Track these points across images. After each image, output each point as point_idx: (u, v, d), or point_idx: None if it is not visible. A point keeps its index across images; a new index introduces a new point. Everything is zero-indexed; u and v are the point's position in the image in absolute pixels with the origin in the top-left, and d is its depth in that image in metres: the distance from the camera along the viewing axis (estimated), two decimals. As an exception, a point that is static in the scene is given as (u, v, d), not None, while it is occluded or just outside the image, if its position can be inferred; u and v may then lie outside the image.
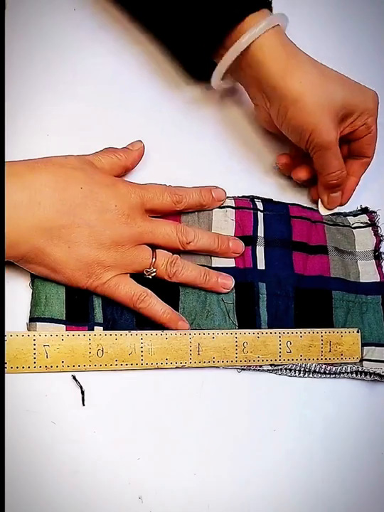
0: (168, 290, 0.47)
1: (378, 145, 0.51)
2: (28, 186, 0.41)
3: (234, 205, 0.50)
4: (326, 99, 0.47)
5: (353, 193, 0.53)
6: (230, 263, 0.49)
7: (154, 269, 0.45)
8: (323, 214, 0.53)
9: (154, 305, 0.45)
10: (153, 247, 0.46)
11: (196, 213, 0.49)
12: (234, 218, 0.50)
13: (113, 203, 0.43)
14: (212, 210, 0.50)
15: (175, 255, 0.46)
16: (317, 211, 0.53)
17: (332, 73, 0.48)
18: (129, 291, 0.44)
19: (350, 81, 0.49)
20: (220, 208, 0.50)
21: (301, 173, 0.53)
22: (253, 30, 0.45)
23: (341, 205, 0.54)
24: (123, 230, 0.43)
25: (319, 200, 0.53)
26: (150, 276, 0.45)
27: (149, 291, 0.45)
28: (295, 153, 0.53)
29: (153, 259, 0.45)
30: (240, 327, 0.47)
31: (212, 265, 0.48)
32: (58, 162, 0.43)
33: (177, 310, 0.47)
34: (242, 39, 0.46)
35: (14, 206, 0.40)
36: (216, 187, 0.49)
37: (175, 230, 0.46)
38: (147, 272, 0.45)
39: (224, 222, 0.50)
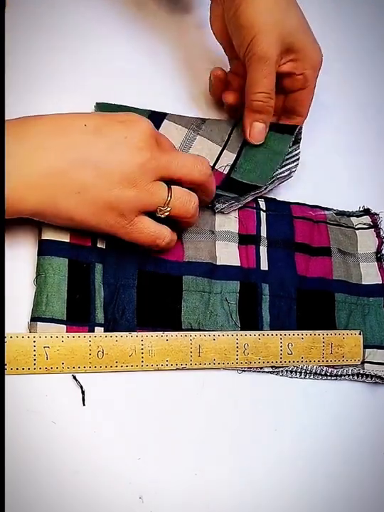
0: (170, 289, 0.47)
1: (377, 141, 0.50)
2: (27, 133, 0.38)
3: None
4: (280, 15, 0.46)
5: None
6: (235, 262, 0.49)
7: (169, 208, 0.41)
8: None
9: (174, 242, 0.44)
10: (169, 183, 0.42)
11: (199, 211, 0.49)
12: (237, 216, 0.50)
13: (122, 135, 0.39)
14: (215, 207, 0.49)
15: (193, 194, 0.43)
16: (320, 210, 0.53)
17: (296, 5, 0.47)
18: (152, 231, 0.42)
19: (307, 23, 0.48)
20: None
21: (230, 97, 0.51)
22: None
23: None
24: (135, 165, 0.39)
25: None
26: (163, 216, 0.42)
27: (169, 229, 0.43)
28: (232, 75, 0.52)
29: (169, 197, 0.41)
30: (243, 328, 0.47)
31: (217, 263, 0.48)
32: (57, 114, 0.40)
33: (179, 309, 0.46)
34: None
35: (14, 156, 0.37)
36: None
37: (194, 160, 0.42)
38: (160, 210, 0.41)
39: (227, 220, 0.50)
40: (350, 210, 0.54)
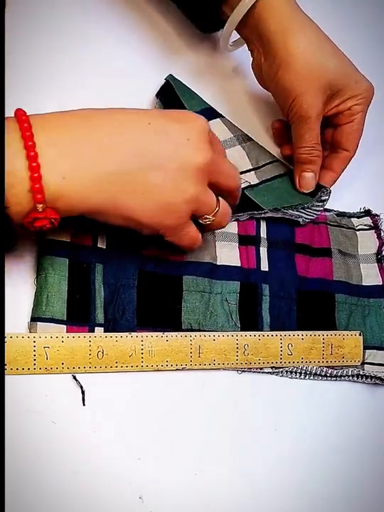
0: (171, 289, 0.47)
1: (377, 142, 0.50)
2: (93, 130, 0.37)
3: None
4: (318, 70, 0.46)
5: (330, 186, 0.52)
6: (235, 262, 0.49)
7: (212, 218, 0.42)
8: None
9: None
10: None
11: None
12: (237, 219, 0.50)
13: (184, 136, 0.39)
14: None
15: (230, 209, 0.44)
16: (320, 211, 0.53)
17: (333, 47, 0.47)
18: (192, 237, 0.43)
19: (348, 62, 0.48)
20: None
21: (286, 150, 0.53)
22: None
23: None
24: (197, 167, 0.39)
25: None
26: (203, 223, 0.42)
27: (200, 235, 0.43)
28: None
29: (217, 208, 0.42)
30: (243, 328, 0.47)
31: (217, 263, 0.48)
32: (120, 108, 0.40)
33: (180, 310, 0.46)
34: None
35: (82, 153, 0.36)
36: None
37: (233, 168, 0.43)
38: (206, 218, 0.42)
39: None
40: (351, 212, 0.54)
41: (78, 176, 0.36)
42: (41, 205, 0.36)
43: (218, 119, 0.53)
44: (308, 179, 0.51)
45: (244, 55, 0.54)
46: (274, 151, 0.54)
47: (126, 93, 0.52)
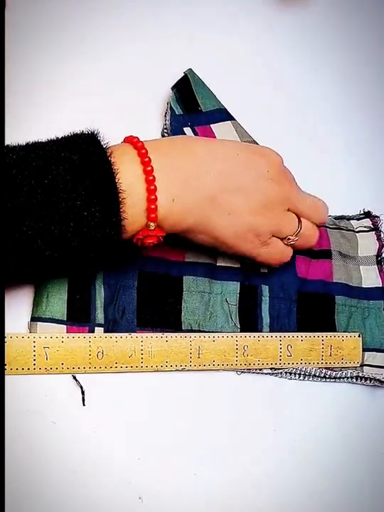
0: (171, 290, 0.47)
1: (377, 143, 0.50)
2: (194, 156, 0.42)
3: None
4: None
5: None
6: (235, 264, 0.49)
7: (296, 238, 0.46)
8: None
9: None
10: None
11: None
12: None
13: (265, 169, 0.44)
14: None
15: (316, 228, 0.47)
16: None
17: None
18: (279, 254, 0.46)
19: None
20: None
21: None
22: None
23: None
24: (275, 195, 0.44)
25: None
26: (288, 244, 0.46)
27: (291, 249, 0.47)
28: None
29: (299, 228, 0.46)
30: (242, 329, 0.47)
31: (217, 264, 0.48)
32: (210, 138, 0.46)
33: (180, 310, 0.47)
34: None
35: (187, 177, 0.41)
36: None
37: (317, 203, 0.47)
38: (289, 239, 0.46)
39: None
40: (350, 214, 0.54)
41: (184, 199, 0.41)
42: (153, 224, 0.40)
43: (229, 122, 0.53)
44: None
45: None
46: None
47: (127, 93, 0.52)
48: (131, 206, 0.39)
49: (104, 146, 0.39)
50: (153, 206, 0.39)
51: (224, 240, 0.44)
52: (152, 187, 0.39)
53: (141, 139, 0.41)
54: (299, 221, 0.46)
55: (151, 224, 0.40)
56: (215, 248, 0.45)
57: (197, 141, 0.44)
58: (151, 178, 0.39)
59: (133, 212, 0.39)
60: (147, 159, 0.39)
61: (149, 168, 0.39)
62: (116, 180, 0.38)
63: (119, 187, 0.38)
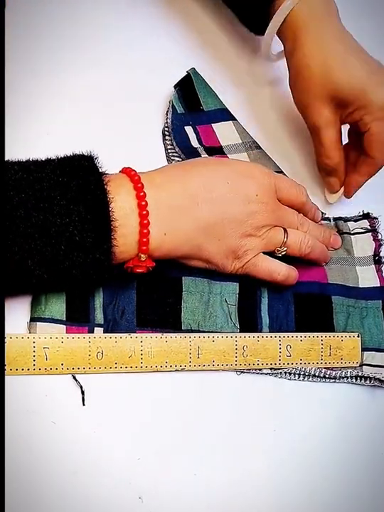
0: (170, 290, 0.47)
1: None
2: (187, 190, 0.43)
3: None
4: (320, 81, 0.47)
5: (357, 190, 0.52)
6: None
7: (285, 248, 0.48)
8: (329, 201, 0.54)
9: (293, 278, 0.48)
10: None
11: None
12: None
13: (254, 193, 0.45)
14: None
15: (307, 235, 0.49)
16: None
17: (347, 58, 0.48)
18: (266, 267, 0.47)
19: (362, 73, 0.48)
20: None
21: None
22: None
23: (347, 197, 0.53)
24: (263, 218, 0.46)
25: None
26: (280, 255, 0.48)
27: (285, 266, 0.48)
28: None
29: (285, 239, 0.47)
30: (242, 330, 0.47)
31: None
32: (202, 161, 0.47)
33: (179, 310, 0.47)
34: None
35: (180, 211, 0.43)
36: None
37: (297, 218, 0.49)
38: (278, 250, 0.48)
39: None
40: (348, 216, 0.54)
41: (176, 233, 0.43)
42: (144, 256, 0.42)
43: (230, 122, 0.54)
44: (332, 184, 0.53)
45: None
46: (283, 163, 0.54)
47: (128, 92, 0.52)
48: (123, 236, 0.41)
49: (102, 174, 0.41)
50: (145, 239, 0.41)
51: (216, 262, 0.46)
52: (145, 221, 0.41)
53: (137, 171, 0.43)
54: (286, 232, 0.47)
55: (142, 256, 0.42)
56: (209, 269, 0.47)
57: (191, 173, 0.45)
58: (144, 212, 0.41)
59: (125, 242, 0.41)
60: (142, 194, 0.41)
61: (144, 203, 0.41)
62: (110, 209, 0.40)
63: (113, 215, 0.40)
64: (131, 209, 0.41)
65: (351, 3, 0.59)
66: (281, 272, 0.47)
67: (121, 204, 0.41)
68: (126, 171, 0.43)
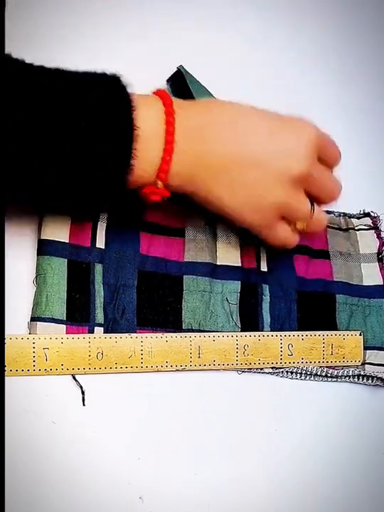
0: (171, 289, 0.47)
1: (377, 144, 0.50)
2: (216, 123, 0.40)
3: None
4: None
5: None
6: (236, 262, 0.49)
7: (305, 224, 0.44)
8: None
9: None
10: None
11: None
12: None
13: (294, 144, 0.41)
14: None
15: (326, 216, 0.45)
16: None
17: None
18: (282, 239, 0.44)
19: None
20: None
21: None
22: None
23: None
24: (297, 173, 0.41)
25: None
26: (298, 228, 0.44)
27: (297, 236, 0.45)
28: None
29: (312, 210, 0.44)
30: (243, 329, 0.47)
31: (217, 263, 0.48)
32: (248, 111, 0.42)
33: (180, 309, 0.46)
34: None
35: (203, 148, 0.40)
36: None
37: (333, 182, 0.44)
38: (299, 224, 0.44)
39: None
40: (351, 213, 0.54)
41: (196, 166, 0.40)
42: (161, 183, 0.40)
43: None
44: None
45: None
46: None
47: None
48: (144, 159, 0.38)
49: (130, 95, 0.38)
50: (165, 167, 0.39)
51: (228, 213, 0.42)
52: (169, 147, 0.38)
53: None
54: (312, 206, 0.44)
55: (159, 183, 0.40)
56: (217, 215, 0.43)
57: (230, 116, 0.41)
58: (170, 138, 0.39)
59: (144, 168, 0.39)
60: (171, 119, 0.39)
61: (171, 129, 0.39)
62: (134, 118, 0.37)
63: (137, 130, 0.37)
64: (157, 133, 0.38)
65: (351, 3, 0.59)
66: (295, 242, 0.45)
67: (148, 122, 0.38)
68: (160, 94, 0.40)
